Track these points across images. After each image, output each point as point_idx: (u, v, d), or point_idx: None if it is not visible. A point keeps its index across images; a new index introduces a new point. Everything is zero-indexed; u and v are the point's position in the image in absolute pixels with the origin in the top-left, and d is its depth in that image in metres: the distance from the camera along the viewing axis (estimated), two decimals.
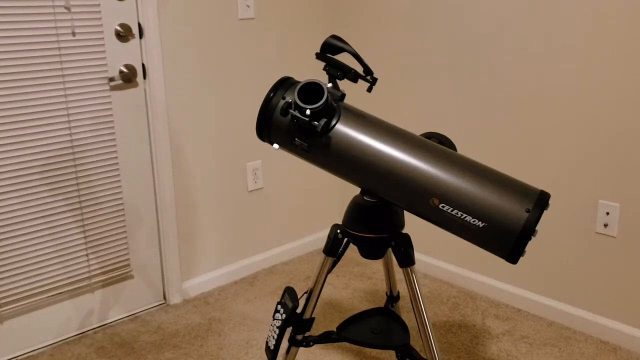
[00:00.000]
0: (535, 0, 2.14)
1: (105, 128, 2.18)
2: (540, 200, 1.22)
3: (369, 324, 1.64)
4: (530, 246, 2.31)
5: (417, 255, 2.74)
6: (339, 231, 1.46)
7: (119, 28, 2.16)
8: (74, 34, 2.04)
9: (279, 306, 1.52)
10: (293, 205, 2.88)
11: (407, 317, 2.27)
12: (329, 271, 1.50)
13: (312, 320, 1.54)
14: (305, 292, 1.52)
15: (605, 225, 2.10)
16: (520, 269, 2.38)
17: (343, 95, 1.34)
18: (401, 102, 2.65)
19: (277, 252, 2.85)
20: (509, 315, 2.36)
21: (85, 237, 2.20)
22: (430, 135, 1.41)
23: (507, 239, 1.21)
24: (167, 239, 2.43)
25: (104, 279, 2.29)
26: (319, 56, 1.35)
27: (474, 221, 1.22)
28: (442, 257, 2.66)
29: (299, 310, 1.51)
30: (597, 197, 2.11)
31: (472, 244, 1.29)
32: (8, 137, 1.97)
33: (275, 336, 1.50)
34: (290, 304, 1.49)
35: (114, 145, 2.22)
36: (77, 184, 2.14)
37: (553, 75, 2.14)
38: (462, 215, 1.22)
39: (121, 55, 2.19)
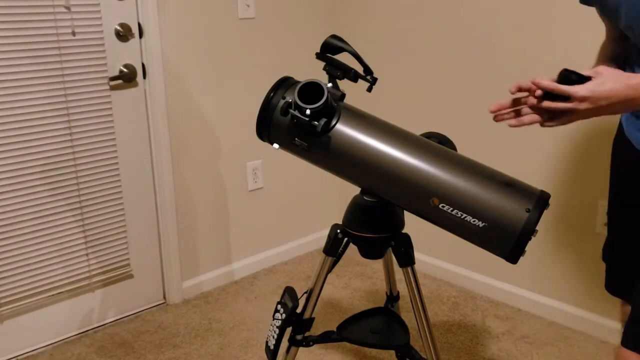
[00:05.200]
0: (536, 1, 2.14)
1: (105, 128, 2.18)
2: (541, 200, 1.22)
3: (369, 324, 1.64)
4: (531, 246, 2.31)
5: (417, 255, 2.73)
6: (339, 231, 1.46)
7: (119, 28, 2.16)
8: (74, 33, 2.04)
9: (279, 306, 1.52)
10: (293, 205, 2.88)
11: (407, 317, 2.27)
12: (329, 271, 1.49)
13: (312, 320, 1.54)
14: (305, 292, 1.52)
15: (605, 225, 2.09)
16: (520, 269, 2.38)
17: (343, 95, 1.34)
18: (401, 102, 2.65)
19: (277, 252, 2.85)
20: (509, 315, 2.36)
21: (85, 237, 2.20)
22: (430, 135, 1.41)
23: (507, 239, 1.21)
24: (167, 239, 2.43)
25: (104, 279, 2.29)
26: (319, 56, 1.35)
27: (474, 221, 1.22)
28: (442, 257, 2.66)
29: (299, 310, 1.51)
30: (597, 197, 2.11)
31: (472, 244, 1.29)
32: (8, 137, 1.97)
33: (275, 336, 1.50)
34: (290, 304, 1.49)
35: (114, 145, 2.22)
36: (77, 184, 2.14)
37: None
38: (462, 215, 1.22)
39: (121, 55, 2.19)
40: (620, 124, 1.35)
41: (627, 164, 1.33)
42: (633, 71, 1.19)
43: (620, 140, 1.33)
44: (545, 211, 1.24)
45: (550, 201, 1.27)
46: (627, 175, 1.34)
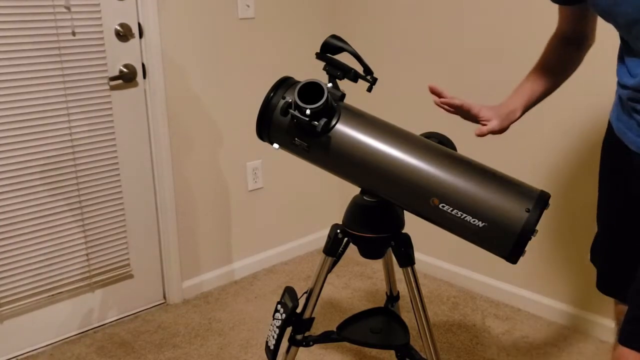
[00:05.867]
0: (536, 1, 2.14)
1: (105, 128, 2.18)
2: (540, 200, 1.22)
3: (369, 324, 1.64)
4: (531, 246, 2.31)
5: (417, 255, 2.72)
6: (338, 231, 1.46)
7: (119, 28, 2.16)
8: (74, 33, 2.04)
9: (279, 306, 1.52)
10: (293, 205, 2.88)
11: (407, 317, 2.27)
12: (329, 271, 1.50)
13: (312, 320, 1.54)
14: (305, 292, 1.52)
15: None
16: (520, 269, 2.38)
17: (343, 95, 1.34)
18: (401, 102, 2.65)
19: (277, 252, 2.85)
20: (509, 315, 2.36)
21: (85, 237, 2.20)
22: (430, 135, 1.41)
23: (507, 239, 1.21)
24: (167, 239, 2.43)
25: (103, 279, 2.29)
26: (319, 56, 1.35)
27: (474, 221, 1.22)
28: (442, 257, 2.66)
29: (298, 310, 1.51)
30: (595, 197, 2.11)
31: (472, 244, 1.29)
32: (8, 137, 1.97)
33: (275, 336, 1.50)
34: (290, 304, 1.49)
35: (114, 145, 2.22)
36: (77, 184, 2.14)
37: None
38: (462, 215, 1.22)
39: (121, 55, 2.19)
40: (610, 124, 1.34)
41: (617, 164, 1.32)
42: (625, 65, 1.16)
43: (610, 139, 1.32)
44: (545, 211, 1.24)
45: (550, 201, 1.27)
46: (618, 175, 1.33)
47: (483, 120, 1.38)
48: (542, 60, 1.45)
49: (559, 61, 1.42)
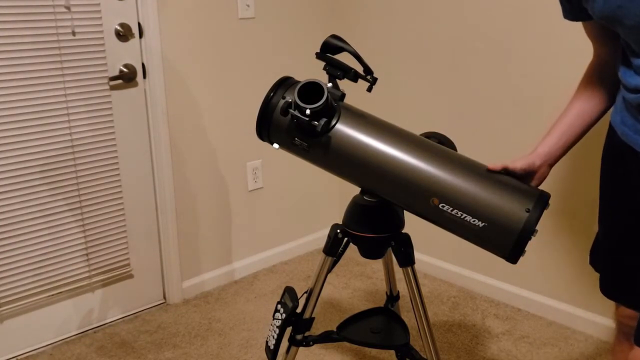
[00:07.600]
0: (536, 2, 2.14)
1: (105, 128, 2.18)
2: (540, 200, 1.22)
3: (369, 324, 1.64)
4: (531, 246, 2.31)
5: (417, 255, 2.72)
6: (338, 231, 1.46)
7: (119, 28, 2.16)
8: (74, 33, 2.04)
9: (279, 306, 1.52)
10: (293, 205, 2.88)
11: (407, 317, 2.27)
12: (329, 271, 1.50)
13: (312, 319, 1.54)
14: (305, 292, 1.53)
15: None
16: (520, 269, 2.38)
17: (343, 95, 1.34)
18: (401, 102, 2.65)
19: (277, 252, 2.85)
20: (509, 315, 2.36)
21: (85, 237, 2.20)
22: (430, 135, 1.41)
23: (507, 239, 1.21)
24: (167, 239, 2.43)
25: (103, 279, 2.29)
26: (319, 56, 1.36)
27: (474, 221, 1.22)
28: (442, 257, 2.66)
29: (298, 310, 1.51)
30: (598, 197, 2.11)
31: (472, 244, 1.29)
32: (8, 136, 1.97)
33: (275, 336, 1.50)
34: (290, 304, 1.49)
35: (114, 145, 2.22)
36: (77, 184, 2.14)
37: (553, 76, 2.14)
38: (462, 215, 1.22)
39: (121, 55, 2.19)
40: (612, 127, 1.32)
41: (625, 168, 1.30)
42: (630, 67, 1.15)
43: (614, 143, 1.31)
44: (545, 211, 1.24)
45: (550, 201, 1.27)
46: (627, 179, 1.31)
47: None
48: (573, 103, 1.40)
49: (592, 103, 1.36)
